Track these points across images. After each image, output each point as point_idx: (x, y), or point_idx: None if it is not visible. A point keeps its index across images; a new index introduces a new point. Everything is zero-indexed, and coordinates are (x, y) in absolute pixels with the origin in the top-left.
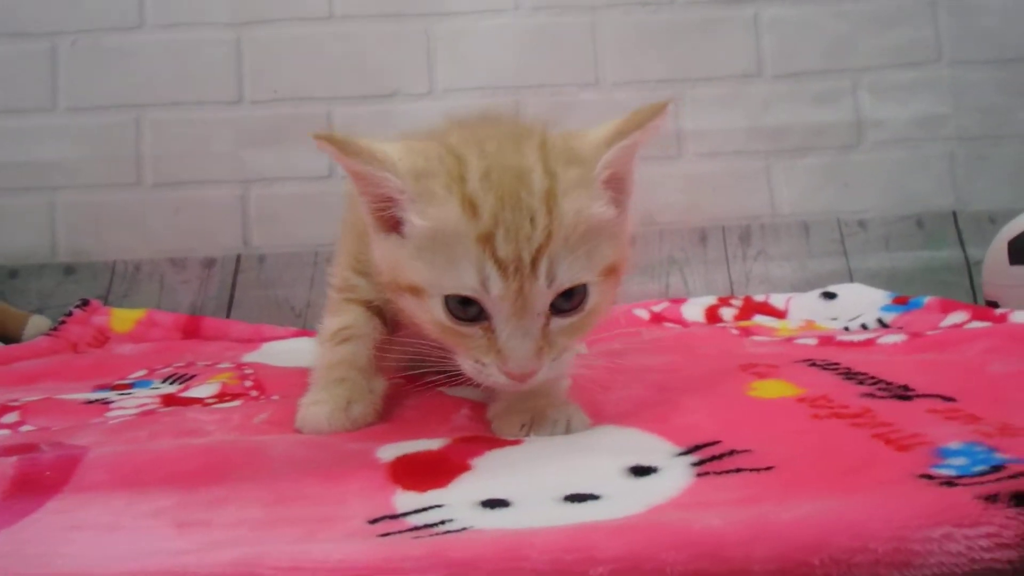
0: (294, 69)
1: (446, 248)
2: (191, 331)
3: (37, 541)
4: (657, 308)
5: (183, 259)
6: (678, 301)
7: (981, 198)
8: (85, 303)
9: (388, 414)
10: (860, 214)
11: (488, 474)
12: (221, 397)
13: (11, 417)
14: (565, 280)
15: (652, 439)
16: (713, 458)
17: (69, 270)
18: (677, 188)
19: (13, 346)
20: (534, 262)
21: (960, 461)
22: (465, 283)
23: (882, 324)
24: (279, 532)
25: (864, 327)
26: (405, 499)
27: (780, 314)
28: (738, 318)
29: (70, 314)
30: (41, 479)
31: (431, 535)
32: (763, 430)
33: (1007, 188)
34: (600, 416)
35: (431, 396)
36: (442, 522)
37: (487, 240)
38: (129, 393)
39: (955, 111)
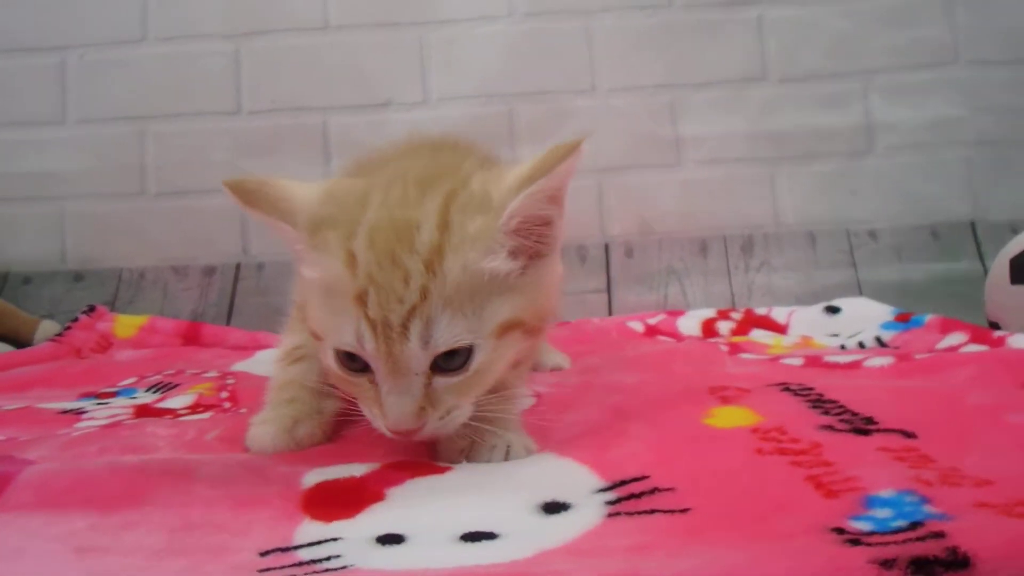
0: (291, 79)
1: (334, 301)
2: (191, 338)
3: None
4: (652, 321)
5: (185, 267)
6: (675, 313)
7: (1001, 206)
8: (91, 309)
9: (338, 432)
10: (870, 223)
11: (398, 505)
12: (194, 408)
13: None
14: (442, 342)
15: (582, 471)
16: (632, 496)
17: (78, 277)
18: (676, 196)
19: (14, 352)
20: (405, 324)
21: (884, 513)
22: (345, 339)
23: (880, 342)
24: (168, 563)
25: (861, 345)
26: (308, 530)
27: (781, 328)
28: (735, 332)
29: (76, 320)
30: None
31: (312, 572)
32: (699, 465)
33: None
34: (546, 442)
35: None
36: (329, 558)
37: (361, 299)
38: (106, 403)
39: (972, 113)
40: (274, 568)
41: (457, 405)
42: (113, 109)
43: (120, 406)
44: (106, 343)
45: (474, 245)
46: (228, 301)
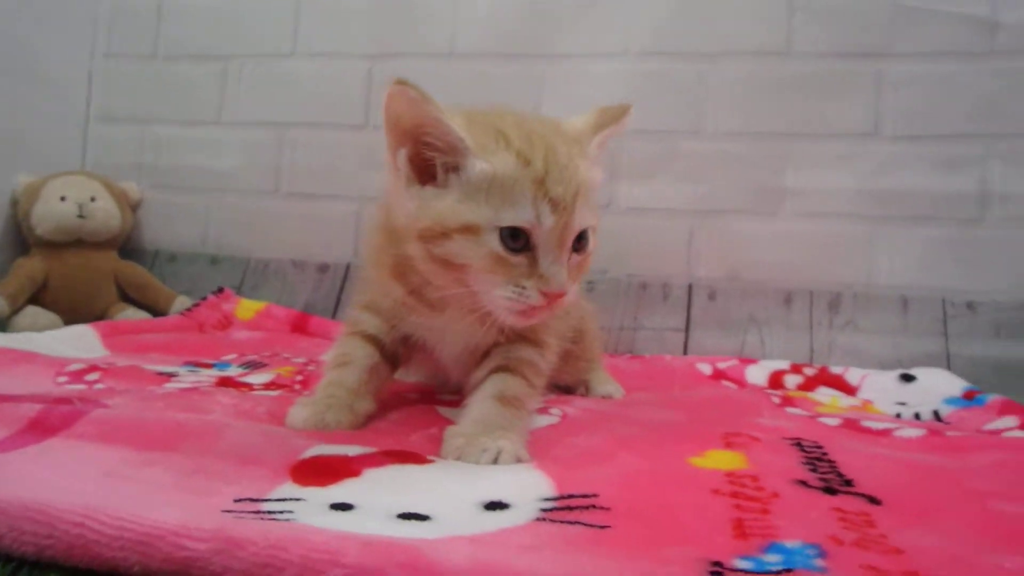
0: None
1: (503, 190)
2: (300, 326)
3: (17, 464)
4: (722, 365)
5: (303, 262)
6: (747, 361)
7: None
8: (220, 290)
9: (369, 423)
10: (970, 295)
11: (365, 483)
12: (268, 386)
13: (94, 375)
14: (584, 221)
15: (543, 481)
16: (567, 508)
17: (214, 261)
18: (767, 246)
19: (147, 320)
20: (573, 202)
21: (773, 558)
22: (522, 217)
23: (937, 417)
24: (163, 495)
25: (917, 417)
26: (284, 490)
27: (851, 390)
28: (801, 387)
29: (205, 298)
30: (47, 423)
31: (262, 518)
32: (649, 494)
33: None
34: (540, 456)
35: (421, 413)
36: (283, 512)
37: (540, 183)
38: (198, 371)
39: None
40: (236, 512)
41: (576, 280)
42: (260, 115)
43: (208, 375)
44: (227, 322)
45: (585, 160)
46: (335, 297)
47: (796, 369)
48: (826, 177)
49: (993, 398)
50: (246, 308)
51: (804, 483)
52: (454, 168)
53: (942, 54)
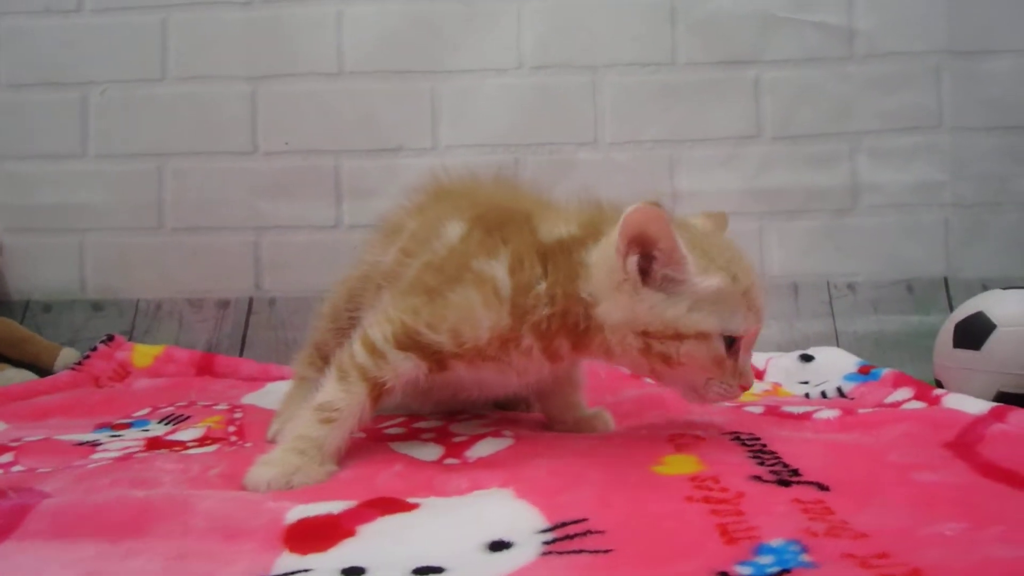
0: (305, 122)
1: (723, 303)
2: (204, 368)
3: None
4: None
5: (200, 300)
6: None
7: (974, 266)
8: (110, 338)
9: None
10: (850, 277)
11: (364, 542)
12: (202, 441)
13: (7, 457)
14: None
15: (531, 513)
16: (567, 537)
17: (97, 306)
18: None
19: (36, 381)
20: (761, 311)
21: (766, 560)
22: (739, 325)
23: (840, 393)
24: None
25: (823, 395)
26: (285, 561)
27: (758, 374)
28: None
29: (95, 348)
30: None
31: None
32: (633, 510)
33: (1002, 256)
34: (512, 482)
35: (374, 452)
36: None
37: (746, 295)
38: (120, 435)
39: (953, 178)
40: None
41: None
42: (133, 145)
43: (133, 438)
44: (124, 372)
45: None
46: (241, 333)
47: None
48: (716, 179)
49: (886, 372)
50: (143, 354)
51: (759, 479)
52: (671, 279)
53: (807, 60)
